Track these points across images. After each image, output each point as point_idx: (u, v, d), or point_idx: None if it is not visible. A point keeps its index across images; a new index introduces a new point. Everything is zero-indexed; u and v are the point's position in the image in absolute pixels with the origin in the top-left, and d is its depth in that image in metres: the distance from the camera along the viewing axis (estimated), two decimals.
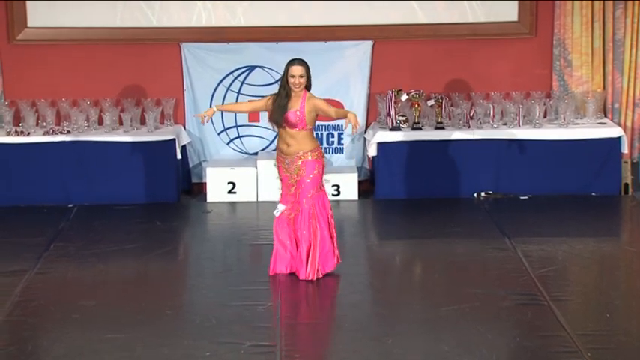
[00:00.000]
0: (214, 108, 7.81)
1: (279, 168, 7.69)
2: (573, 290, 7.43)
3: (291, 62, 7.50)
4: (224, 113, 10.19)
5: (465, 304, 7.07)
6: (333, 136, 10.32)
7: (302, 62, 7.50)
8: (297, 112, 7.49)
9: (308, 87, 7.55)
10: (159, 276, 7.90)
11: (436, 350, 6.33)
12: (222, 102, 10.17)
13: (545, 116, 10.14)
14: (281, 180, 7.73)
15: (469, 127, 9.90)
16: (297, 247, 7.63)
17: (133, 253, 8.37)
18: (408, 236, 8.80)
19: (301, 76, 7.46)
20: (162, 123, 10.12)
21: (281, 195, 7.75)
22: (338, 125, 10.26)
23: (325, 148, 10.29)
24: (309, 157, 7.55)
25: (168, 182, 9.83)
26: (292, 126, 7.51)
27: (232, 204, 9.84)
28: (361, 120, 10.23)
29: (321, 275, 7.58)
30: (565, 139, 9.86)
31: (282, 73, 7.60)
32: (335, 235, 7.72)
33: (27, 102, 10.02)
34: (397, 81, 10.04)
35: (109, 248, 8.45)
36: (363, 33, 10.16)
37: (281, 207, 7.67)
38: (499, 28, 10.19)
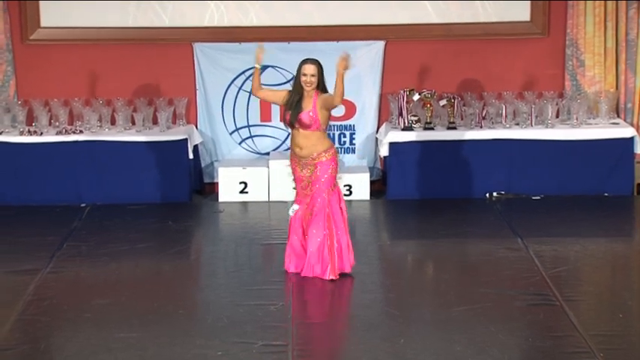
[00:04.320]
0: (258, 66, 7.63)
1: (293, 168, 7.69)
2: (586, 291, 7.41)
3: (304, 61, 7.55)
4: (236, 113, 10.19)
5: (477, 304, 7.07)
6: (345, 136, 10.32)
7: (315, 62, 7.53)
8: (311, 113, 7.50)
9: (322, 89, 7.55)
10: (171, 275, 7.91)
11: (448, 350, 6.33)
12: (234, 103, 10.20)
13: (557, 116, 10.11)
14: (295, 180, 7.73)
15: (481, 127, 9.88)
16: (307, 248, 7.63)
17: (146, 252, 8.39)
18: (419, 236, 8.79)
19: (313, 75, 7.48)
20: (174, 123, 10.13)
21: (296, 195, 7.75)
22: (350, 125, 10.26)
23: (337, 148, 10.27)
24: (324, 158, 7.56)
25: (181, 182, 9.83)
26: (306, 127, 7.51)
27: (244, 204, 9.84)
28: (373, 120, 10.24)
29: (338, 274, 7.55)
30: (578, 139, 9.83)
31: (294, 73, 7.69)
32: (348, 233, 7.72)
33: (40, 101, 10.03)
34: (409, 81, 10.03)
35: (122, 247, 8.46)
36: (375, 33, 10.15)
37: (295, 207, 7.67)
38: (511, 28, 10.17)
